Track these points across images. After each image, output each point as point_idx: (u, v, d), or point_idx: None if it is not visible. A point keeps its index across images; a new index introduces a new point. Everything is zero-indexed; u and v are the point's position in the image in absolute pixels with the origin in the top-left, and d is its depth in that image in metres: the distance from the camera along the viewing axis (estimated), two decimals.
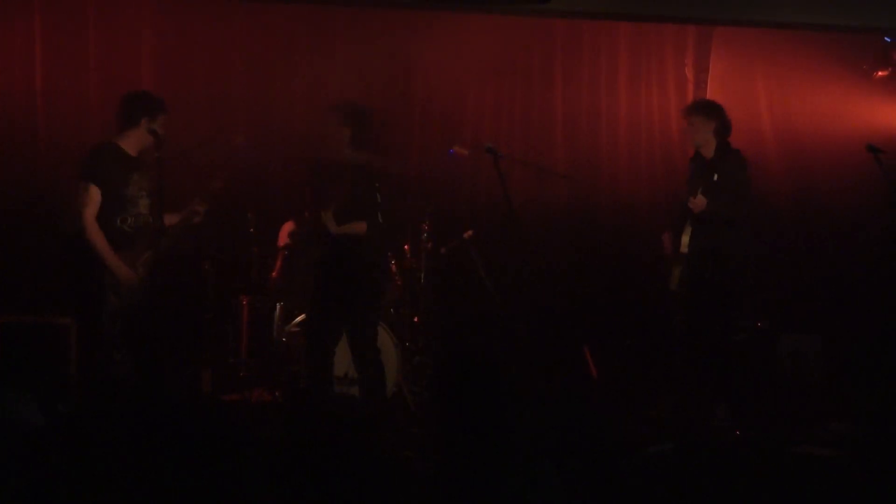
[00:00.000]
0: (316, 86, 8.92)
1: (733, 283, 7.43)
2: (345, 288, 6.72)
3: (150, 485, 3.10)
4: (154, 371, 6.65)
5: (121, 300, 6.52)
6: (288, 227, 8.27)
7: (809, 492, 5.18)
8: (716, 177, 7.40)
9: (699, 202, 7.24)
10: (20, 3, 8.35)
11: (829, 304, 8.83)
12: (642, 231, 8.65)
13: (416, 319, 7.87)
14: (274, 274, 7.92)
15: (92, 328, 6.65)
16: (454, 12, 8.70)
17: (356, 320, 6.79)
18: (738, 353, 7.86)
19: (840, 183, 8.92)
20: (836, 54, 9.16)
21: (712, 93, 9.44)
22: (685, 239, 7.45)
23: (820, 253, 9.09)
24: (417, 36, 8.97)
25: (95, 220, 6.48)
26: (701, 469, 5.68)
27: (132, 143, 6.66)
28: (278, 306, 7.83)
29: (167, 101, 6.84)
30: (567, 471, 3.69)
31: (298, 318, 7.52)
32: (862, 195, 8.58)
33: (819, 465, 6.00)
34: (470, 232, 7.76)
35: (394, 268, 7.85)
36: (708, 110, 7.58)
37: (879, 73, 9.14)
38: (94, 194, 6.49)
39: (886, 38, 8.95)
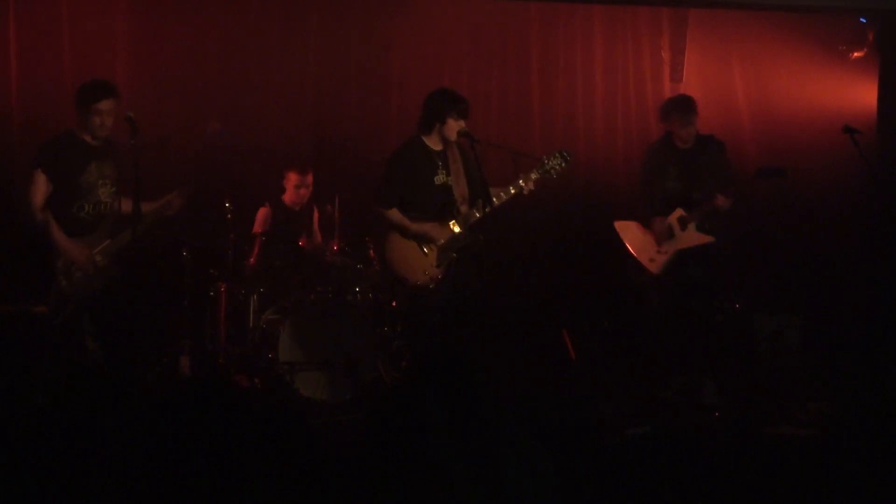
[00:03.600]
0: (291, 70, 8.91)
1: (720, 265, 7.71)
2: None
3: (131, 474, 3.09)
4: (127, 359, 6.64)
5: (72, 285, 6.56)
6: (263, 212, 8.27)
7: (787, 471, 5.21)
8: (699, 164, 7.58)
9: (725, 201, 7.44)
10: None
11: (806, 284, 8.85)
12: (619, 214, 8.64)
13: (393, 304, 7.85)
14: (251, 260, 7.89)
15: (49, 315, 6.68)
16: None
17: None
18: (717, 334, 7.91)
19: (817, 164, 8.89)
20: (812, 35, 9.18)
21: (688, 76, 9.48)
22: (677, 227, 7.57)
23: (797, 234, 9.10)
24: (393, 19, 8.96)
25: (44, 206, 6.57)
26: (679, 450, 5.70)
27: (87, 130, 6.67)
28: (255, 293, 7.82)
29: (142, 89, 6.82)
30: (546, 453, 3.69)
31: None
32: (839, 175, 8.60)
33: (797, 444, 6.03)
34: None
35: (372, 253, 7.84)
36: (695, 105, 7.69)
37: (855, 54, 9.16)
38: (41, 181, 6.57)
39: (862, 19, 8.96)
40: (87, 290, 6.63)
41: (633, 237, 7.74)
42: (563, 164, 6.97)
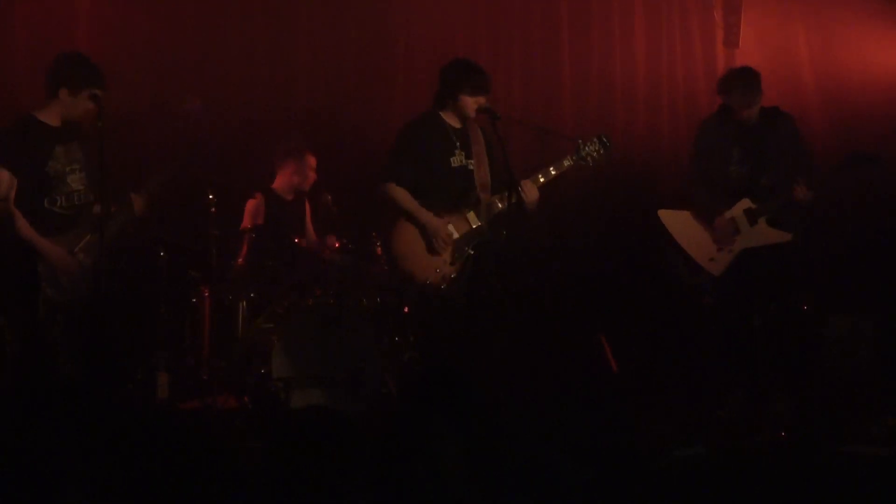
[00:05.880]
0: (280, 38, 8.91)
1: (795, 267, 7.67)
2: None
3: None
4: (103, 375, 6.66)
5: (60, 292, 6.54)
6: (253, 204, 8.27)
7: (859, 498, 5.24)
8: (766, 144, 7.42)
9: (805, 192, 7.27)
10: None
11: (883, 279, 8.79)
12: (663, 199, 8.66)
13: (405, 309, 7.88)
14: (239, 260, 7.93)
15: (29, 328, 6.66)
16: None
17: None
18: (783, 339, 7.89)
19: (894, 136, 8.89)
20: None
21: (746, 37, 9.43)
22: (744, 222, 7.45)
23: (872, 219, 9.06)
24: None
25: (12, 204, 6.51)
26: (737, 475, 5.75)
27: (52, 112, 6.65)
28: (244, 298, 7.87)
29: (107, 60, 6.82)
30: (584, 477, 3.77)
31: None
32: None
33: (873, 466, 6.05)
34: None
35: (379, 251, 7.83)
36: (760, 82, 7.49)
37: None
38: (3, 176, 6.50)
39: None
40: (76, 295, 6.60)
41: (685, 232, 7.61)
42: (602, 151, 6.97)
